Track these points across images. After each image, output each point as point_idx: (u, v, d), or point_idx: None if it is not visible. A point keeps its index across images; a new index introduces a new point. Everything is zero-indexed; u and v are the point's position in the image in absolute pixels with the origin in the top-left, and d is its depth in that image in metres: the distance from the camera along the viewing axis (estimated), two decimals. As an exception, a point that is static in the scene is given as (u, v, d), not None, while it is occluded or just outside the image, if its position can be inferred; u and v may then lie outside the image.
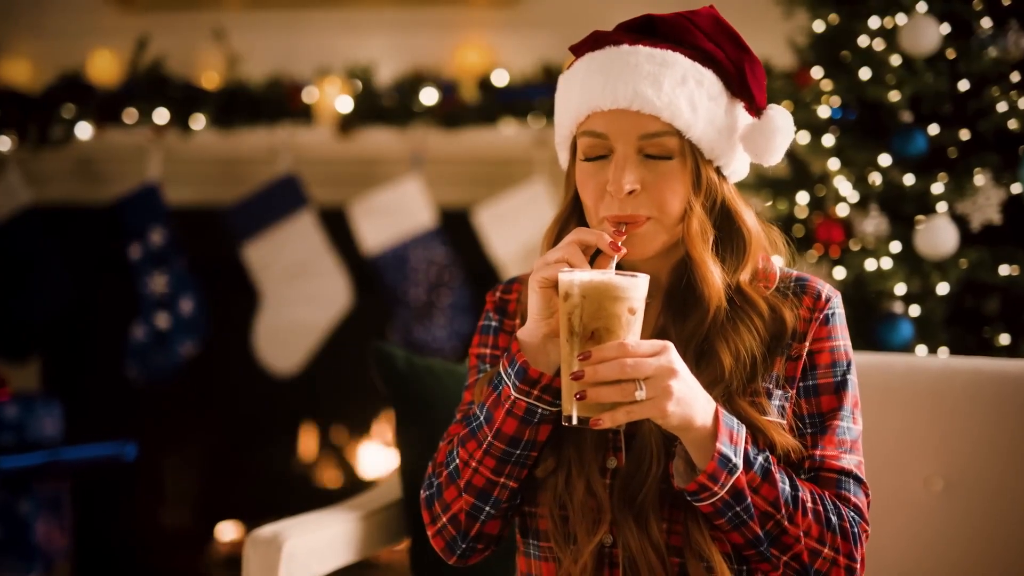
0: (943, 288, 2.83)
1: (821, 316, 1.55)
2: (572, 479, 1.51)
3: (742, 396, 1.49)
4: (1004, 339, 2.81)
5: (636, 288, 1.37)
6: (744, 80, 1.52)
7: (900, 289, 2.83)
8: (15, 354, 4.14)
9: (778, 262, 1.62)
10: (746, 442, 1.43)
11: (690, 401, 1.38)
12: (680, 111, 1.47)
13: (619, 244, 1.42)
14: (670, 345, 1.38)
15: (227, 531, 4.26)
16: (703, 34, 1.52)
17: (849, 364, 1.56)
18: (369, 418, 4.18)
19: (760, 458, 1.44)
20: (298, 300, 3.91)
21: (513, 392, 1.46)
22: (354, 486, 4.12)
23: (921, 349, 2.82)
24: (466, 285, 3.87)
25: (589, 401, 1.35)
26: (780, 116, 1.53)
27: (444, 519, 1.55)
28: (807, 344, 1.54)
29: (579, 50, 1.55)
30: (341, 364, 3.92)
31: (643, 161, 1.49)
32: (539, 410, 1.47)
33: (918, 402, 2.02)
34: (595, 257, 1.45)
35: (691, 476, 1.44)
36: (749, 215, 1.56)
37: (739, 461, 1.41)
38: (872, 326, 2.83)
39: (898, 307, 2.84)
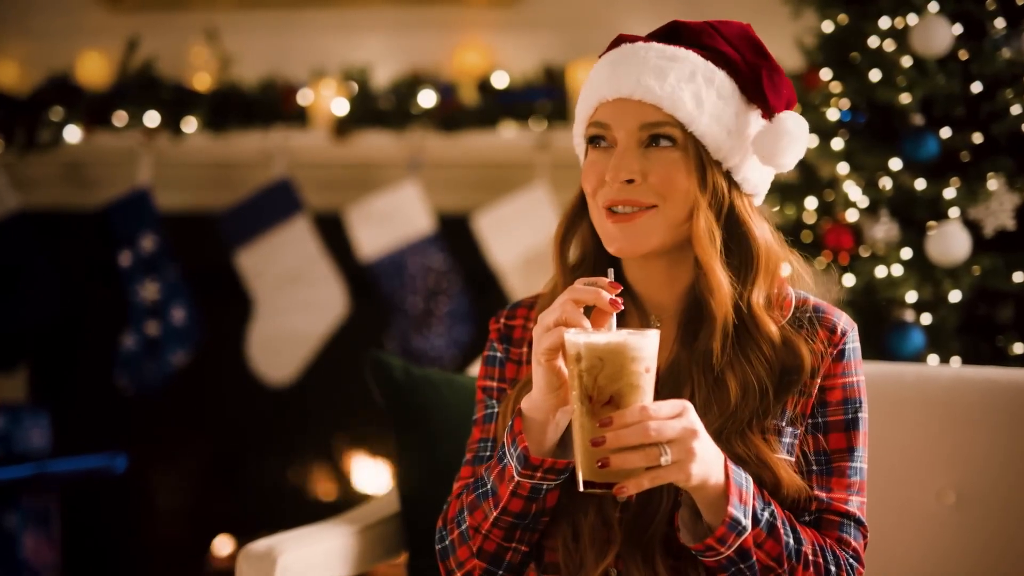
0: (955, 296, 2.81)
1: (835, 351, 1.54)
2: (586, 508, 1.51)
3: (752, 431, 1.48)
4: (1018, 348, 2.79)
5: (650, 346, 1.35)
6: (759, 85, 1.51)
7: (911, 297, 2.81)
8: (2, 363, 4.13)
9: (785, 270, 1.59)
10: (753, 498, 1.42)
11: (709, 460, 1.37)
12: (682, 103, 1.46)
13: (618, 301, 1.38)
14: (689, 405, 1.36)
15: (220, 545, 4.23)
16: (723, 39, 1.52)
17: (862, 401, 1.55)
18: (365, 429, 4.16)
19: (766, 513, 1.43)
20: (293, 308, 3.90)
21: (517, 476, 1.45)
22: (350, 499, 4.10)
23: (933, 358, 2.80)
24: (465, 292, 3.85)
25: (612, 468, 1.33)
26: (791, 120, 1.51)
27: (459, 574, 1.56)
28: (818, 380, 1.53)
29: (603, 54, 1.57)
30: (337, 374, 3.89)
31: (644, 152, 1.48)
32: (545, 486, 1.46)
33: (930, 413, 2.02)
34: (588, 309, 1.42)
35: (697, 529, 1.43)
36: (763, 230, 1.54)
37: (748, 522, 1.40)
38: (882, 335, 2.81)
39: (909, 315, 2.82)
